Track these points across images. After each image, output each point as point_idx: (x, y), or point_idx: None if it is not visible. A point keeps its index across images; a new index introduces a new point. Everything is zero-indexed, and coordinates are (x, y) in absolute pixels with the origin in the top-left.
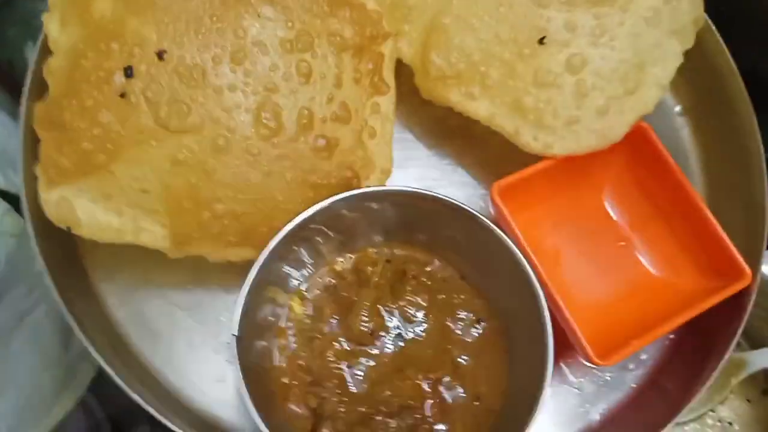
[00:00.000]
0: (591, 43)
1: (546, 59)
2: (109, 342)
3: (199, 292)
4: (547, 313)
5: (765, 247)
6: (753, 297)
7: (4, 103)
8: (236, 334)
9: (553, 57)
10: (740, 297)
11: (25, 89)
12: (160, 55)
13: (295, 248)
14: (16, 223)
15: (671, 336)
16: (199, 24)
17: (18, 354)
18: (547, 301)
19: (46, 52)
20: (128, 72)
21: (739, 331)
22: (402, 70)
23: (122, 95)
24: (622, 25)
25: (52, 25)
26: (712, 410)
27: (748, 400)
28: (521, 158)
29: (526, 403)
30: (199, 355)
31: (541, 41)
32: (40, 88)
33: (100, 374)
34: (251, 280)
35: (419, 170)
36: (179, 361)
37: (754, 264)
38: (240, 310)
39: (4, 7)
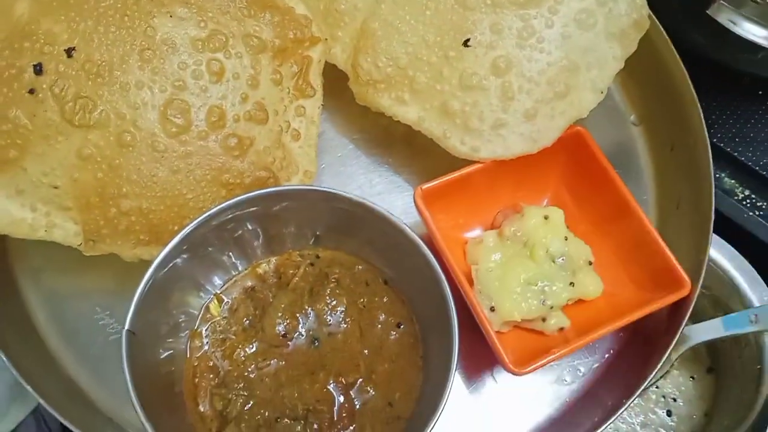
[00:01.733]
0: (518, 45)
1: (471, 62)
2: (26, 343)
3: (122, 293)
4: (455, 321)
5: (707, 258)
6: (691, 307)
7: None
8: (128, 328)
9: (479, 59)
10: (679, 306)
11: None
12: (69, 52)
13: (216, 248)
14: None
15: (611, 350)
16: (109, 23)
17: None
18: (471, 309)
19: None
20: (37, 69)
21: (675, 340)
22: (345, 76)
23: (31, 91)
24: (551, 27)
25: None
26: (657, 386)
27: (692, 377)
28: (464, 167)
29: (430, 411)
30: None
31: (465, 43)
32: None
33: None
34: (149, 275)
35: (359, 176)
36: (94, 360)
37: (696, 274)
38: (134, 306)
39: None
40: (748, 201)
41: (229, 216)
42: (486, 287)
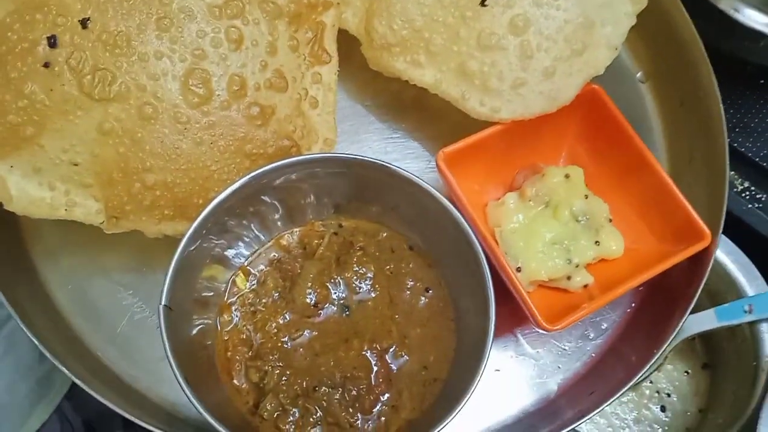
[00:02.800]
0: (534, 3)
1: (489, 21)
2: (50, 323)
3: (143, 271)
4: (489, 282)
5: (725, 209)
6: (712, 258)
7: None
8: (165, 303)
9: (496, 19)
10: (700, 259)
11: None
12: (84, 23)
13: (239, 222)
14: None
15: (633, 304)
16: None
17: None
18: (496, 269)
19: None
20: (52, 42)
21: (698, 293)
22: (355, 40)
23: (46, 65)
24: None
25: None
26: (651, 381)
27: (687, 372)
28: (477, 130)
29: (470, 372)
30: (141, 332)
31: (482, 3)
32: None
33: None
34: (181, 249)
35: (372, 143)
36: (121, 339)
37: (715, 226)
38: (169, 280)
39: None
40: (747, 193)
41: (254, 188)
42: (511, 248)
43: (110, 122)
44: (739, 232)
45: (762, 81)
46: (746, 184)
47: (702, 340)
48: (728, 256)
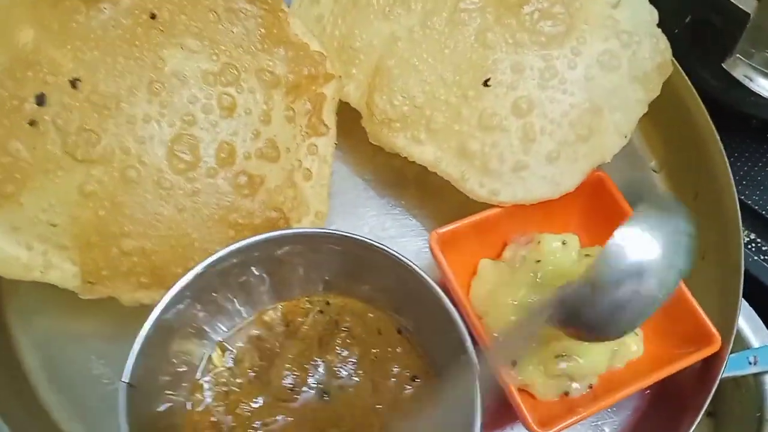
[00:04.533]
0: (539, 86)
1: (491, 102)
2: (16, 392)
3: (119, 340)
4: (477, 372)
5: (739, 311)
6: (724, 364)
7: None
8: (126, 381)
9: (499, 99)
10: (710, 364)
11: None
12: (74, 83)
13: (221, 294)
14: None
15: (638, 408)
16: (117, 53)
17: None
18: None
19: None
20: (40, 100)
21: (709, 399)
22: (358, 114)
23: (32, 123)
24: (574, 68)
25: None
26: None
27: None
28: (478, 210)
29: None
30: (112, 407)
31: (486, 83)
32: None
33: None
34: (152, 320)
35: (370, 219)
36: (90, 413)
37: (727, 328)
38: (134, 356)
39: None
40: (753, 245)
41: (236, 260)
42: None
43: (92, 184)
44: (744, 283)
45: None
46: (752, 236)
47: None
48: None
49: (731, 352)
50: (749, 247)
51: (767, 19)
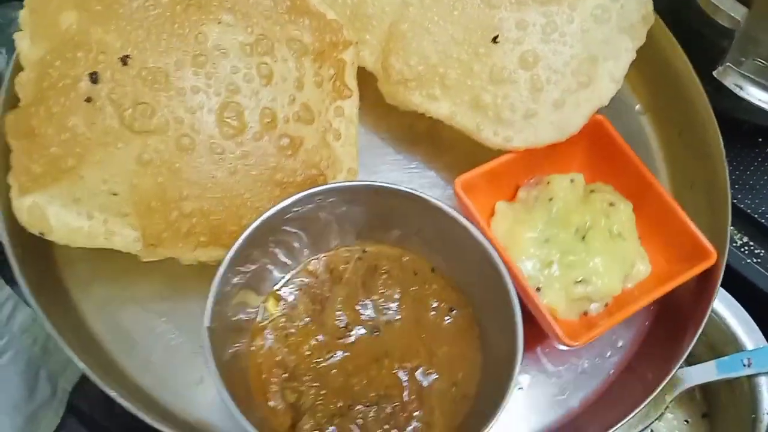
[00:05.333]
0: (542, 40)
1: (500, 57)
2: (88, 352)
3: (175, 298)
4: (516, 301)
5: (728, 228)
6: (721, 275)
7: None
8: (208, 325)
9: (507, 55)
10: (708, 276)
11: None
12: (124, 60)
13: (267, 249)
14: None
15: (646, 322)
16: (161, 30)
17: None
18: (516, 288)
19: (19, 69)
20: (93, 78)
21: (709, 309)
22: (369, 77)
23: (88, 100)
24: (572, 22)
25: (22, 42)
26: (651, 430)
27: (687, 421)
28: (487, 159)
29: (499, 389)
30: (176, 358)
31: (494, 40)
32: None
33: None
34: (221, 272)
35: (388, 174)
36: (157, 365)
37: (720, 245)
38: (211, 301)
39: None
40: (746, 248)
41: (282, 216)
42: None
43: (149, 153)
44: (738, 286)
45: (760, 139)
46: (745, 239)
47: (702, 390)
48: (728, 310)
49: (724, 355)
50: (742, 250)
51: (757, 27)
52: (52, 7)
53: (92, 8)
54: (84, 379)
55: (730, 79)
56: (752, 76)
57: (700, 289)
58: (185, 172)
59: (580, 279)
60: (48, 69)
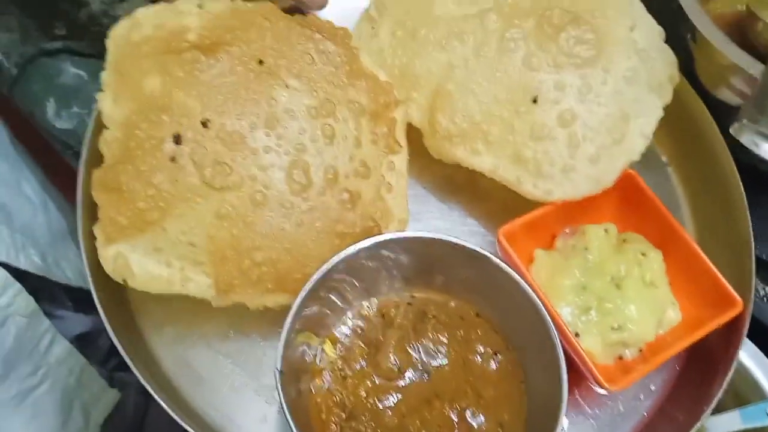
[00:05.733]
0: (579, 100)
1: (540, 115)
2: (158, 385)
3: (239, 339)
4: (559, 345)
5: (753, 279)
6: (747, 322)
7: (30, 179)
8: (279, 368)
9: (546, 113)
10: (735, 324)
11: (82, 161)
12: (204, 123)
13: (325, 295)
14: (26, 303)
15: (677, 367)
16: (236, 96)
17: None
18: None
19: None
20: (177, 139)
21: (737, 355)
22: (412, 132)
23: (172, 159)
24: (605, 84)
25: (105, 102)
26: None
27: None
28: (522, 208)
29: (545, 430)
30: (241, 397)
31: (534, 100)
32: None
33: None
34: (291, 319)
35: (432, 222)
36: (223, 403)
37: (745, 294)
38: (282, 346)
39: (29, 65)
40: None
41: (343, 264)
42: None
43: (226, 208)
44: (762, 337)
45: None
46: (767, 289)
47: None
48: (752, 360)
49: (747, 404)
50: (766, 300)
51: None
52: (136, 71)
53: (175, 74)
54: (114, 413)
55: (746, 136)
56: None
57: (728, 334)
58: (258, 224)
59: (616, 326)
60: (134, 130)
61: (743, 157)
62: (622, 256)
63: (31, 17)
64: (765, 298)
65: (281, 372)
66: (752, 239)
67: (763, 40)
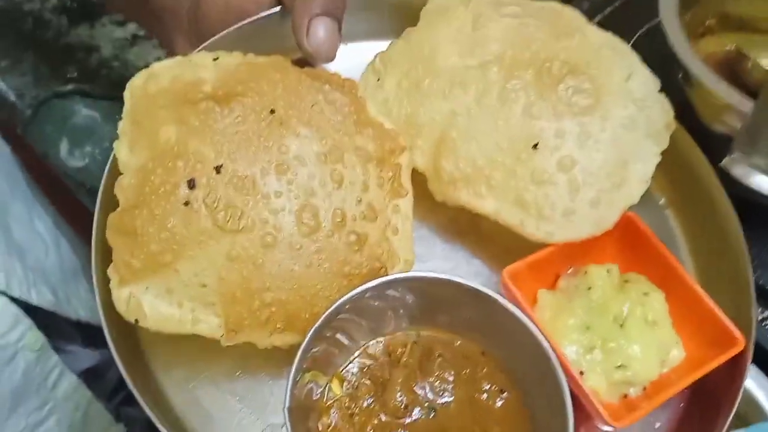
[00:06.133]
0: (578, 146)
1: (541, 161)
2: (167, 421)
3: (247, 379)
4: (564, 383)
5: (754, 317)
6: (749, 359)
7: (43, 217)
8: (287, 406)
9: (547, 159)
10: (737, 361)
11: (97, 206)
12: (218, 169)
13: (332, 334)
14: (36, 338)
15: (681, 404)
16: (248, 143)
17: None
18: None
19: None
20: (191, 184)
21: (740, 392)
22: (417, 177)
23: (186, 203)
24: (604, 131)
25: (122, 150)
26: None
27: None
28: (525, 250)
29: None
30: None
31: (535, 147)
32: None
33: None
34: (299, 358)
35: (437, 263)
36: None
37: (747, 330)
38: (290, 384)
39: (42, 106)
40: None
41: (349, 305)
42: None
43: (237, 250)
44: (763, 359)
45: None
46: (766, 314)
47: None
48: (754, 381)
49: (752, 424)
50: (765, 325)
51: (764, 119)
52: (153, 120)
53: (190, 123)
54: None
55: (737, 169)
56: (761, 167)
57: (731, 371)
58: (267, 266)
59: (620, 364)
60: (150, 176)
61: (735, 188)
62: (624, 295)
63: (43, 61)
64: (763, 322)
65: (290, 410)
66: (752, 279)
67: (753, 78)
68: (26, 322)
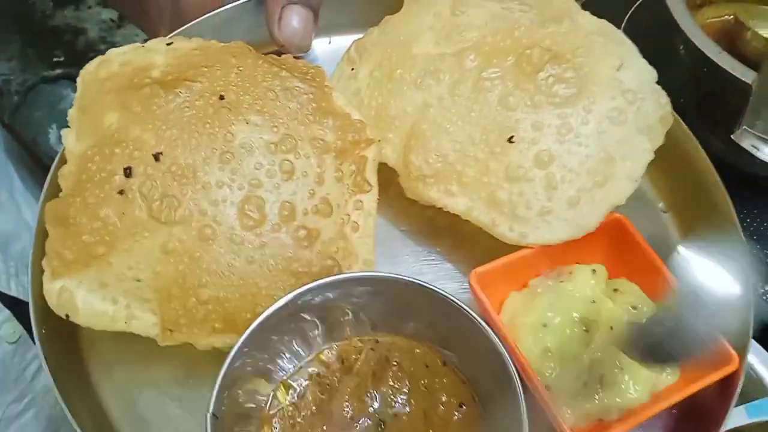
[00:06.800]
0: (558, 140)
1: (516, 156)
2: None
3: (190, 384)
4: (522, 400)
5: (751, 334)
6: (741, 382)
7: (32, 205)
8: (212, 412)
9: (523, 154)
10: (729, 381)
11: (42, 194)
12: (157, 156)
13: (281, 337)
14: (14, 330)
15: (666, 425)
16: (192, 130)
17: None
18: (529, 385)
19: (63, 161)
20: (127, 172)
21: (728, 416)
22: (393, 173)
23: (120, 192)
24: (587, 123)
25: (69, 138)
26: None
27: None
28: (506, 252)
29: None
30: None
31: (510, 140)
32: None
33: None
34: (229, 361)
35: (408, 266)
36: None
37: (741, 350)
38: (216, 390)
39: (31, 91)
40: (767, 296)
41: (297, 305)
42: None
43: (173, 243)
44: (764, 333)
45: None
46: (766, 288)
47: None
48: (756, 357)
49: (755, 399)
50: (764, 297)
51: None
52: (97, 107)
53: (133, 109)
54: None
55: (747, 141)
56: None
57: (722, 391)
58: (205, 260)
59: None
60: (88, 163)
61: (739, 161)
62: (611, 307)
63: (30, 45)
64: (764, 295)
65: (215, 416)
66: (753, 294)
67: (752, 48)
68: (4, 312)
